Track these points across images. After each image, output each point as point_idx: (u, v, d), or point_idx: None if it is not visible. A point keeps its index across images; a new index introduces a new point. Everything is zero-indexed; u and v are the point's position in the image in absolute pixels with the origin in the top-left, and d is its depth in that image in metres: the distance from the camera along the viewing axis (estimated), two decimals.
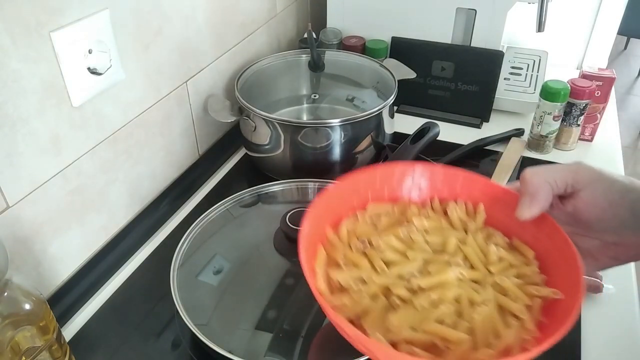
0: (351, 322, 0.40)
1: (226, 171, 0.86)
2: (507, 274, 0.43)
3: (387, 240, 0.44)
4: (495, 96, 0.95)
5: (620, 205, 0.39)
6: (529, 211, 0.41)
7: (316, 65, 0.90)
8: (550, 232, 0.43)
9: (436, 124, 0.80)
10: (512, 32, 1.09)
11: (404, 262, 0.43)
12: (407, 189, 0.50)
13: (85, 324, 0.61)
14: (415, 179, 0.50)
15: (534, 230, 0.45)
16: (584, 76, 0.86)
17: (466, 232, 0.47)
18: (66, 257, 0.63)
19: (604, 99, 0.87)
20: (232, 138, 0.89)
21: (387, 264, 0.43)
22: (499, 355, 0.38)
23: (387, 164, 0.50)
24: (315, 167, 0.78)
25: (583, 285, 0.39)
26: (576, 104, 0.84)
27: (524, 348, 0.39)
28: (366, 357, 0.48)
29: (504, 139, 0.90)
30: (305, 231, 0.42)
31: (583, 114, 0.85)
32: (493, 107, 0.96)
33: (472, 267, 0.44)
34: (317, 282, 0.42)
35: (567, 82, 0.83)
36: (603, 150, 0.90)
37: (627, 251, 0.42)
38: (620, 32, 1.34)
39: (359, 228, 0.47)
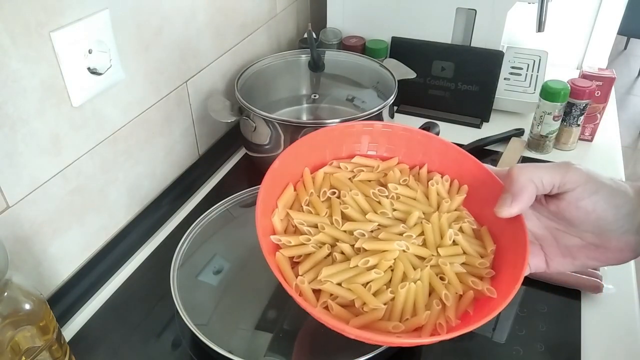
0: (291, 260, 0.43)
1: (226, 171, 0.86)
2: (454, 259, 0.43)
3: (354, 195, 0.46)
4: (495, 96, 0.95)
5: (604, 209, 0.39)
6: (508, 210, 0.41)
7: (316, 65, 0.90)
8: (515, 231, 0.43)
9: (436, 124, 0.80)
10: (512, 32, 1.09)
11: (359, 222, 0.45)
12: (400, 150, 0.51)
13: (85, 324, 0.61)
14: (410, 142, 0.51)
15: (503, 224, 0.45)
16: (584, 76, 0.86)
17: (439, 207, 0.47)
18: (66, 257, 0.63)
19: (604, 99, 0.87)
20: (232, 138, 0.89)
21: (345, 218, 0.45)
22: (406, 331, 0.40)
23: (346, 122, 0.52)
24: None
25: (514, 290, 0.39)
26: (576, 104, 0.84)
27: (434, 332, 0.40)
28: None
29: (504, 139, 0.90)
30: (275, 166, 0.44)
31: (583, 114, 0.85)
32: (493, 107, 0.96)
33: (424, 244, 0.44)
34: (273, 217, 0.44)
35: (567, 82, 0.83)
36: (603, 150, 0.90)
37: (607, 254, 0.41)
38: (620, 32, 1.34)
39: (336, 176, 0.48)
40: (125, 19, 0.62)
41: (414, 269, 0.43)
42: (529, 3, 0.88)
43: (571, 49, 1.16)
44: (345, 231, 0.44)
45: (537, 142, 0.88)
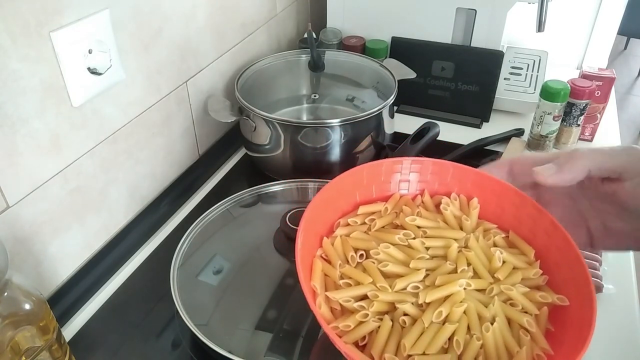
0: (356, 344, 0.39)
1: (226, 171, 0.86)
2: (513, 279, 0.42)
3: (386, 250, 0.43)
4: (495, 96, 0.95)
5: None
6: (543, 179, 0.40)
7: (316, 65, 0.90)
8: (549, 230, 0.43)
9: (436, 124, 0.80)
10: (512, 32, 1.09)
11: (407, 274, 0.41)
12: (396, 184, 0.49)
13: (85, 324, 0.61)
14: (404, 174, 0.49)
15: (530, 225, 0.44)
16: (584, 76, 0.86)
17: (461, 228, 0.46)
18: (66, 257, 0.63)
19: (604, 99, 0.87)
20: (232, 138, 0.89)
21: (389, 276, 0.42)
22: None
23: (374, 161, 0.49)
24: (315, 167, 0.78)
25: (593, 291, 0.38)
26: (576, 104, 0.84)
27: None
28: None
29: (504, 139, 0.90)
30: (299, 247, 0.40)
31: (583, 114, 0.85)
32: (493, 107, 0.96)
33: (475, 273, 0.42)
34: (320, 308, 0.40)
35: (567, 82, 0.83)
36: None
37: None
38: (620, 32, 1.34)
39: (354, 235, 0.45)
40: (125, 19, 0.62)
41: (484, 305, 0.40)
42: (529, 3, 0.88)
43: (571, 49, 1.16)
44: (398, 291, 0.41)
45: (537, 142, 0.88)
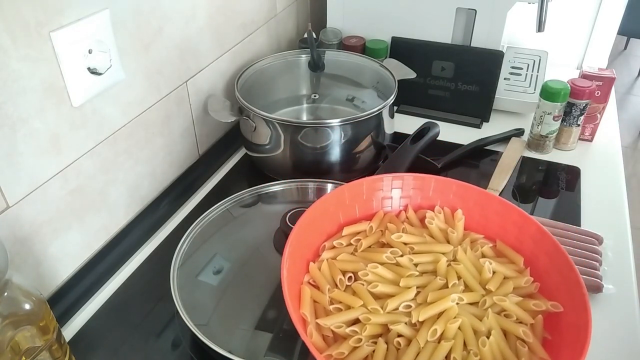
0: None
1: (226, 171, 0.86)
2: (505, 289, 0.41)
3: (375, 271, 0.42)
4: (495, 96, 0.95)
5: None
6: None
7: (316, 65, 0.90)
8: (535, 235, 0.42)
9: (436, 124, 0.80)
10: (512, 32, 1.09)
11: (398, 294, 0.41)
12: (379, 201, 0.49)
13: (85, 324, 0.61)
14: (385, 190, 0.48)
15: (516, 232, 0.44)
16: (584, 76, 0.86)
17: (448, 240, 0.45)
18: (66, 257, 0.63)
19: (604, 99, 0.87)
20: (232, 138, 0.89)
21: (379, 297, 0.41)
22: None
23: (354, 181, 0.48)
24: (315, 167, 0.78)
25: (586, 294, 0.38)
26: (576, 104, 0.84)
27: None
28: None
29: (504, 139, 0.90)
30: (285, 275, 0.39)
31: (583, 114, 0.85)
32: (493, 107, 0.96)
33: (466, 286, 0.42)
34: (311, 337, 0.39)
35: (567, 82, 0.83)
36: (603, 150, 0.90)
37: None
38: (620, 32, 1.34)
39: (340, 258, 0.44)
40: (125, 19, 0.62)
41: (479, 319, 0.40)
42: (529, 3, 0.88)
43: (571, 49, 1.16)
44: (390, 311, 0.40)
45: (537, 142, 0.87)
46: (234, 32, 0.87)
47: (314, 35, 0.91)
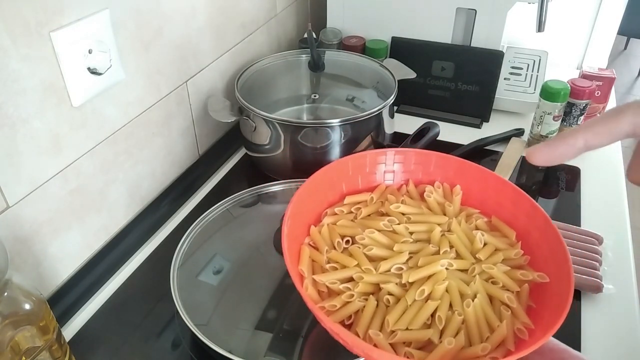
0: (342, 324, 0.40)
1: (226, 171, 0.86)
2: (494, 259, 0.43)
3: (371, 235, 0.44)
4: (495, 96, 0.95)
5: None
6: (603, 142, 0.35)
7: (316, 65, 0.90)
8: (529, 211, 0.44)
9: (436, 124, 0.80)
10: (512, 32, 1.09)
11: (391, 257, 0.43)
12: (381, 175, 0.50)
13: (85, 324, 0.61)
14: (388, 164, 0.50)
15: (511, 209, 0.45)
16: (584, 76, 0.86)
17: (445, 214, 0.47)
18: (66, 257, 0.63)
19: (604, 99, 0.87)
20: (232, 138, 0.89)
21: (374, 259, 0.43)
22: (496, 348, 0.38)
23: (358, 153, 0.50)
24: (316, 167, 0.77)
25: (571, 267, 0.39)
26: (576, 104, 0.84)
27: (518, 338, 0.39)
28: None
29: (504, 139, 0.90)
30: (285, 231, 0.42)
31: (583, 114, 0.85)
32: (493, 107, 0.96)
33: (457, 254, 0.43)
34: (306, 289, 0.41)
35: (567, 82, 0.83)
36: (603, 150, 0.89)
37: None
38: (620, 32, 1.34)
39: (340, 223, 0.47)
40: (125, 19, 0.62)
41: (466, 283, 0.41)
42: (529, 3, 0.88)
43: (571, 49, 1.16)
44: (382, 272, 0.42)
45: (537, 142, 0.87)
46: (234, 32, 0.87)
47: (314, 35, 0.91)
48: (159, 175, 0.76)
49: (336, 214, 0.48)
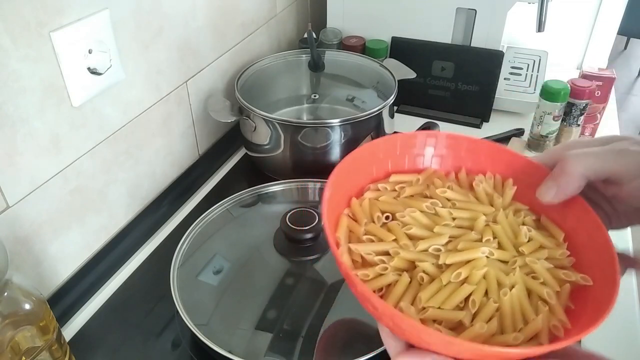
0: None
1: (226, 171, 0.86)
2: (538, 255, 0.42)
3: (412, 214, 0.43)
4: (495, 96, 0.95)
5: None
6: (549, 200, 0.40)
7: (316, 65, 0.90)
8: (579, 214, 0.42)
9: (436, 124, 0.80)
10: (512, 32, 1.09)
11: (430, 237, 0.42)
12: (429, 158, 0.49)
13: (85, 324, 0.61)
14: (438, 148, 0.49)
15: (561, 209, 0.44)
16: (584, 76, 0.86)
17: (492, 205, 0.46)
18: (66, 257, 0.63)
19: (604, 99, 0.87)
20: (232, 138, 0.89)
21: (412, 238, 0.42)
22: (528, 340, 0.37)
23: (409, 132, 0.49)
24: (315, 167, 0.78)
25: (618, 274, 0.38)
26: (576, 104, 0.84)
27: (552, 334, 0.38)
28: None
29: (504, 139, 0.90)
30: (327, 196, 0.40)
31: (583, 114, 0.85)
32: (493, 107, 0.96)
33: (500, 246, 0.42)
34: (341, 256, 0.40)
35: (567, 82, 0.83)
36: None
37: None
38: (620, 32, 1.34)
39: (382, 199, 0.45)
40: (125, 19, 0.62)
41: (505, 274, 0.40)
42: (529, 3, 0.88)
43: (571, 49, 1.16)
44: (419, 251, 0.41)
45: (537, 142, 0.87)
46: (234, 32, 0.87)
47: (314, 35, 0.91)
48: (159, 175, 0.76)
49: (379, 190, 0.47)
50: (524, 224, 0.45)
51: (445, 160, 0.49)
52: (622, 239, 0.71)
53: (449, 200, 0.45)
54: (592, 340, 0.58)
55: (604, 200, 0.43)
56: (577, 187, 0.39)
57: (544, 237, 0.44)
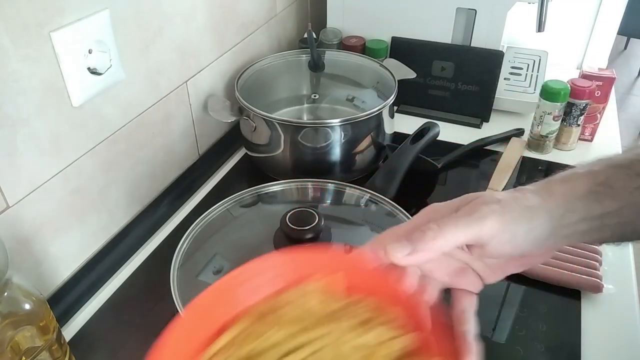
0: None
1: (226, 171, 0.86)
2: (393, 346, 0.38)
3: None
4: (495, 96, 0.95)
5: (525, 244, 0.38)
6: (398, 259, 0.37)
7: (316, 65, 0.90)
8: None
9: (436, 124, 0.80)
10: (512, 32, 1.09)
11: None
12: (257, 292, 0.46)
13: (85, 324, 0.61)
14: (261, 281, 0.46)
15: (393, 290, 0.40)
16: (584, 76, 0.86)
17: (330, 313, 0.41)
18: (66, 257, 0.63)
19: (604, 99, 0.87)
20: (232, 138, 0.89)
21: None
22: None
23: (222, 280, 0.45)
24: (315, 167, 0.78)
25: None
26: (576, 104, 0.84)
27: None
28: None
29: (504, 139, 0.90)
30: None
31: (583, 114, 0.85)
32: (493, 107, 0.96)
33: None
34: None
35: (567, 82, 0.83)
36: (603, 151, 0.90)
37: (533, 259, 0.42)
38: (620, 32, 1.34)
39: None
40: (125, 19, 0.62)
41: None
42: (529, 3, 0.88)
43: (571, 49, 1.15)
44: None
45: (537, 142, 0.87)
46: (234, 32, 0.87)
47: (314, 35, 0.91)
48: (159, 175, 0.76)
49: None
50: (367, 320, 0.39)
51: (278, 284, 0.45)
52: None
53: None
54: (592, 340, 0.58)
55: (473, 259, 0.42)
56: (431, 256, 0.38)
57: (388, 332, 0.39)
